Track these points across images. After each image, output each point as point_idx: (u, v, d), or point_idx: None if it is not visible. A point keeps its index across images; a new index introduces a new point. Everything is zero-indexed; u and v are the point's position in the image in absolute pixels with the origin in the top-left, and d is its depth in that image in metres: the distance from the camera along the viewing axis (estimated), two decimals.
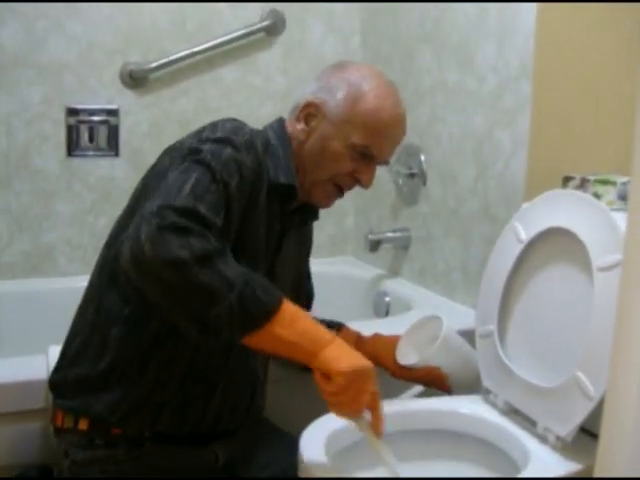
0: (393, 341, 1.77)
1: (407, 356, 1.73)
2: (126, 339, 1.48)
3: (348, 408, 1.32)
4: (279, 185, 1.54)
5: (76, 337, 1.55)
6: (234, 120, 1.55)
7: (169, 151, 1.53)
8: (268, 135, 1.59)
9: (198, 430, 1.54)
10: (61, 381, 1.55)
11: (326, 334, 1.31)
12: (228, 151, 1.40)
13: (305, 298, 1.86)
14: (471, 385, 1.73)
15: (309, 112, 1.60)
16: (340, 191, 1.64)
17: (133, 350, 1.48)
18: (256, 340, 1.27)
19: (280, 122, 1.65)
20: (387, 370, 1.73)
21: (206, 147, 1.40)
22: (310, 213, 1.72)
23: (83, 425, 1.49)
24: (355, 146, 1.56)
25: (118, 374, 1.48)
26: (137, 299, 1.44)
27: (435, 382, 1.70)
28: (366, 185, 1.64)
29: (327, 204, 1.67)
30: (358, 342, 1.77)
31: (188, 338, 1.38)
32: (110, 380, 1.48)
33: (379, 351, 1.74)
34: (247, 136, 1.47)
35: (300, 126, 1.60)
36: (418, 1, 2.54)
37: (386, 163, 1.69)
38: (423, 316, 1.81)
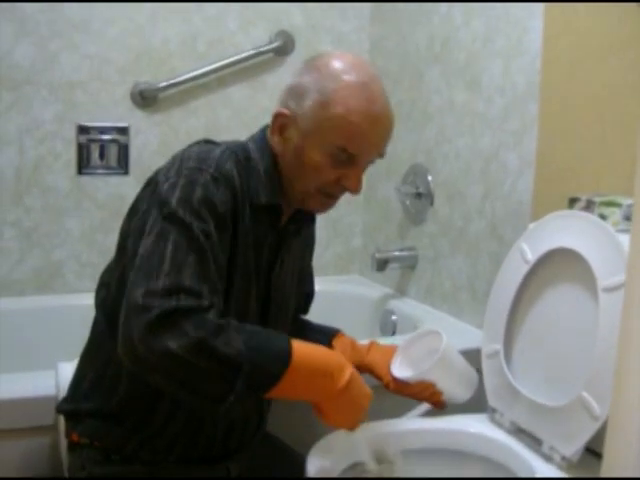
0: (388, 352, 1.73)
1: (402, 369, 1.69)
2: (135, 380, 1.46)
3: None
4: (262, 206, 1.47)
5: (88, 372, 1.54)
6: (201, 144, 1.50)
7: (146, 187, 1.49)
8: (248, 148, 1.51)
9: (210, 452, 1.55)
10: (73, 412, 1.54)
11: (338, 383, 1.34)
12: (197, 195, 1.34)
13: (304, 296, 1.85)
14: (464, 401, 1.70)
15: (281, 123, 1.48)
16: (331, 198, 1.53)
17: (143, 390, 1.46)
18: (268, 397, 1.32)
19: (263, 131, 1.55)
20: (381, 381, 1.70)
21: (175, 197, 1.33)
22: (305, 218, 1.63)
23: (99, 443, 1.50)
24: (332, 153, 1.43)
25: (130, 409, 1.49)
26: None
27: (430, 399, 1.66)
28: (354, 191, 1.50)
29: (324, 211, 1.57)
30: (353, 350, 1.75)
31: None
32: (122, 415, 1.49)
33: (374, 360, 1.72)
34: (212, 167, 1.38)
35: (276, 138, 1.49)
36: (431, 1, 2.56)
37: (381, 156, 1.53)
38: (422, 330, 1.79)
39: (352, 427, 1.41)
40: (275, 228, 1.54)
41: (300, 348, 1.31)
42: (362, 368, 1.72)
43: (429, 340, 1.72)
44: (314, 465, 1.47)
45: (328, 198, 1.52)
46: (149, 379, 1.27)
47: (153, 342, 1.19)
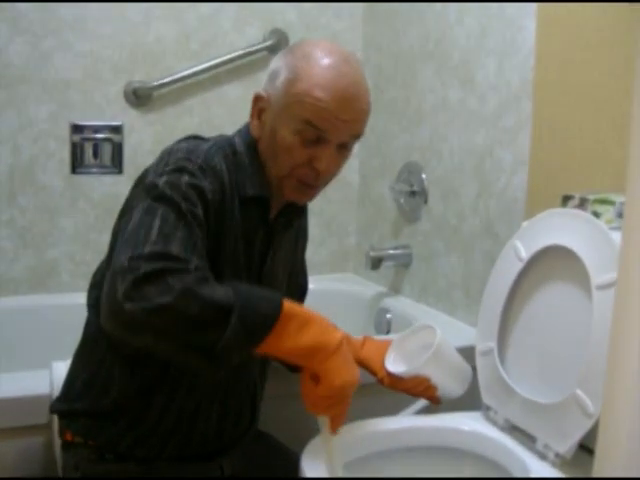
0: (382, 347, 1.73)
1: (397, 364, 1.68)
2: (128, 379, 1.48)
3: (326, 411, 1.36)
4: (249, 198, 1.47)
5: (81, 372, 1.55)
6: (189, 139, 1.50)
7: (135, 186, 1.48)
8: (234, 142, 1.52)
9: (204, 449, 1.55)
10: (67, 411, 1.55)
11: (332, 339, 1.31)
12: (185, 179, 1.34)
13: (298, 293, 1.85)
14: (458, 396, 1.70)
15: (260, 106, 1.49)
16: (304, 184, 1.49)
17: (137, 386, 1.48)
18: (261, 349, 1.26)
19: (247, 124, 1.56)
20: (375, 376, 1.69)
21: (162, 180, 1.33)
22: (295, 211, 1.62)
23: (93, 442, 1.50)
24: (300, 131, 1.42)
25: (124, 408, 1.49)
26: (129, 348, 1.43)
27: (424, 393, 1.65)
28: (323, 171, 1.45)
29: (301, 199, 1.54)
30: (347, 344, 1.73)
31: (191, 369, 1.37)
32: (116, 413, 1.49)
33: (368, 355, 1.71)
34: (200, 159, 1.38)
35: (255, 122, 1.50)
36: (426, 1, 2.57)
37: (355, 138, 1.48)
38: (416, 325, 1.79)
39: (341, 405, 1.36)
40: (265, 222, 1.54)
41: (289, 300, 1.29)
42: (356, 362, 1.73)
43: (423, 335, 1.71)
44: (308, 464, 1.47)
45: (302, 184, 1.49)
46: (137, 341, 1.24)
47: (140, 298, 1.16)
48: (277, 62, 1.50)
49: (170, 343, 1.22)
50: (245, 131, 1.55)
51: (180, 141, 1.50)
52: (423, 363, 1.61)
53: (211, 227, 1.37)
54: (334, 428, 1.39)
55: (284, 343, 1.27)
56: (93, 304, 1.55)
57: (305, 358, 1.31)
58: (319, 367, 1.30)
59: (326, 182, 1.53)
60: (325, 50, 1.45)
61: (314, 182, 1.49)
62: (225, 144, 1.50)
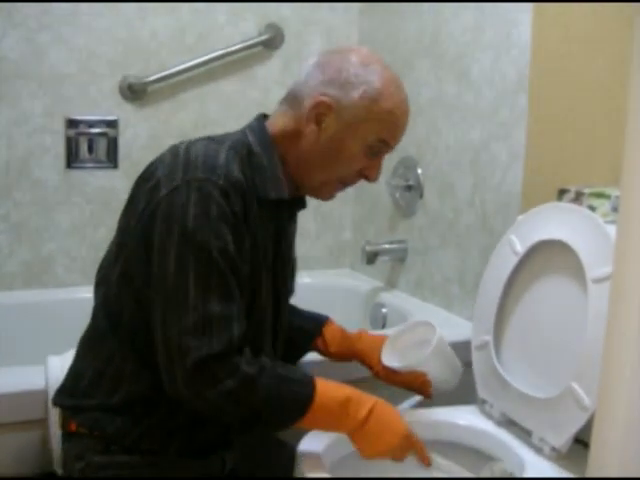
0: (378, 341, 1.74)
1: (393, 359, 1.69)
2: (138, 377, 1.48)
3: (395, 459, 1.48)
4: (269, 201, 1.47)
5: (87, 370, 1.53)
6: (203, 141, 1.48)
7: (143, 182, 1.47)
8: (249, 141, 1.50)
9: (209, 443, 1.55)
10: (72, 406, 1.54)
11: (355, 418, 1.41)
12: (213, 212, 1.34)
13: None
14: (449, 391, 1.72)
15: (320, 112, 1.47)
16: (345, 187, 1.59)
17: (146, 383, 1.47)
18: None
19: (259, 121, 1.55)
20: (370, 370, 1.72)
21: (190, 216, 1.33)
22: (297, 205, 1.64)
23: (99, 433, 1.49)
24: (372, 147, 1.50)
25: (130, 407, 1.49)
26: (140, 346, 1.46)
27: (419, 388, 1.68)
28: (374, 180, 1.59)
29: (329, 199, 1.60)
30: (343, 338, 1.76)
31: None
32: (123, 410, 1.49)
33: (365, 349, 1.73)
34: (221, 179, 1.36)
35: (310, 127, 1.48)
36: (419, 1, 2.56)
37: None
38: (413, 320, 1.79)
39: (391, 455, 1.45)
40: (278, 219, 1.54)
41: (323, 391, 1.40)
42: (352, 356, 1.74)
43: (420, 331, 1.72)
44: (305, 455, 1.48)
45: (341, 186, 1.57)
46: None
47: (191, 390, 1.33)
48: (340, 69, 1.49)
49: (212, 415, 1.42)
50: (258, 129, 1.53)
51: (194, 143, 1.47)
52: (424, 359, 1.63)
53: (243, 248, 1.40)
54: (425, 462, 1.50)
55: (311, 426, 1.46)
56: (102, 302, 1.53)
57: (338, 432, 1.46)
58: (352, 439, 1.44)
59: None
60: (385, 66, 1.54)
61: (353, 184, 1.58)
62: (239, 145, 1.47)
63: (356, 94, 1.46)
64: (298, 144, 1.51)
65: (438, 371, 1.66)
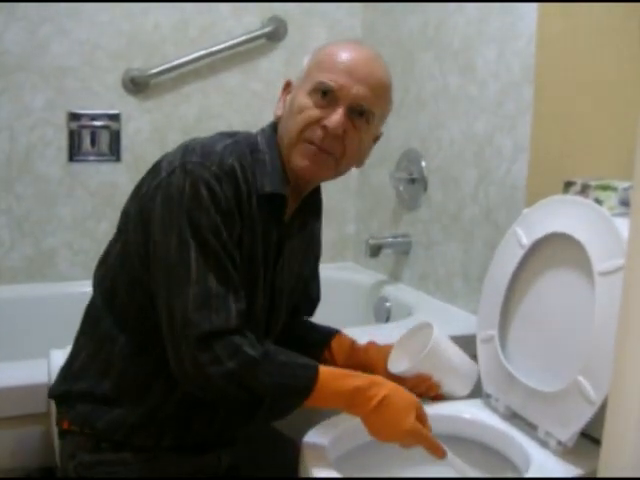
0: (386, 350, 1.74)
1: (398, 364, 1.69)
2: (129, 360, 1.49)
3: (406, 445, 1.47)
4: (266, 195, 1.48)
5: (81, 352, 1.55)
6: (209, 137, 1.51)
7: (150, 171, 1.51)
8: (257, 140, 1.54)
9: (203, 439, 1.55)
10: (65, 394, 1.54)
11: (367, 400, 1.41)
12: (204, 193, 1.37)
13: (310, 301, 1.85)
14: (465, 392, 1.71)
15: (287, 91, 1.57)
16: (314, 146, 1.49)
17: (137, 371, 1.49)
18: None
19: (272, 125, 1.58)
20: None
21: (185, 199, 1.38)
22: (310, 213, 1.65)
23: (89, 430, 1.50)
24: (314, 89, 1.48)
25: (121, 393, 1.49)
26: (132, 328, 1.50)
27: (427, 392, 1.67)
28: (332, 126, 1.46)
29: (310, 167, 1.51)
30: (352, 350, 1.76)
31: None
32: (113, 398, 1.49)
33: (371, 359, 1.72)
34: (215, 165, 1.40)
35: (280, 103, 1.57)
36: (421, 1, 2.55)
37: (360, 109, 1.49)
38: (416, 323, 1.78)
39: (402, 440, 1.44)
40: (280, 221, 1.54)
41: (328, 378, 1.41)
42: (359, 368, 1.71)
43: (424, 333, 1.71)
44: (310, 448, 1.47)
45: (309, 146, 1.49)
46: (190, 391, 1.43)
47: (195, 366, 1.35)
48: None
49: (213, 397, 1.44)
50: (269, 130, 1.57)
51: (194, 141, 1.50)
52: (420, 359, 1.62)
53: (233, 234, 1.42)
54: (438, 456, 1.45)
55: (319, 406, 1.43)
56: (99, 282, 1.57)
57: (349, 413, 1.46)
58: (364, 423, 1.44)
59: (340, 159, 1.53)
60: (350, 39, 1.63)
61: (322, 143, 1.49)
62: (244, 143, 1.51)
63: (304, 64, 1.56)
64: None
65: (442, 372, 1.65)
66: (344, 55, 1.49)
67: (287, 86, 1.58)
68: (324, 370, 1.41)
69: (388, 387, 1.42)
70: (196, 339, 1.33)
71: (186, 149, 1.45)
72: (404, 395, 1.44)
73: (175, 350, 1.37)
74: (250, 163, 1.47)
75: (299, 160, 1.50)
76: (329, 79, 1.46)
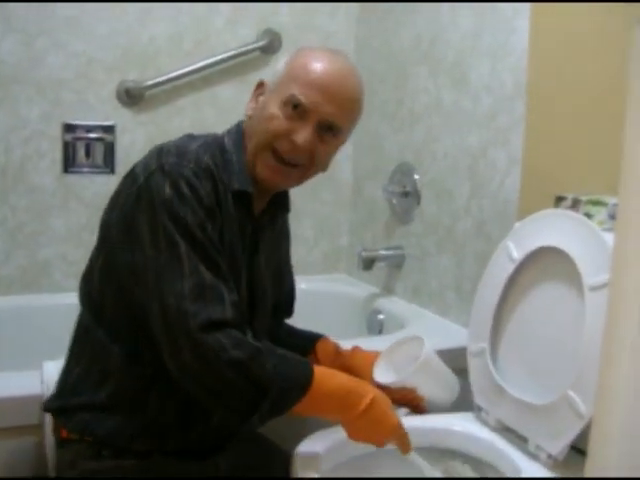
0: (371, 357, 1.74)
1: (384, 375, 1.69)
2: (125, 370, 1.49)
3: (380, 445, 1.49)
4: (235, 192, 1.51)
5: (74, 367, 1.55)
6: (180, 138, 1.55)
7: (125, 178, 1.53)
8: (224, 141, 1.56)
9: (203, 444, 1.56)
10: (61, 408, 1.54)
11: (354, 410, 1.41)
12: (186, 190, 1.39)
13: (286, 294, 1.85)
14: (446, 406, 1.72)
15: (259, 92, 1.59)
16: (281, 160, 1.51)
17: (133, 380, 1.49)
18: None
19: (238, 126, 1.61)
20: None
21: (167, 197, 1.39)
22: (279, 208, 1.69)
23: (90, 438, 1.50)
24: (285, 101, 1.49)
25: (119, 402, 1.49)
26: (125, 338, 1.50)
27: (410, 404, 1.67)
28: (300, 143, 1.48)
29: (273, 178, 1.54)
30: (336, 354, 1.77)
31: None
32: (112, 408, 1.49)
33: (356, 366, 1.73)
34: (192, 162, 1.43)
35: (252, 104, 1.59)
36: (422, 1, 2.56)
37: (331, 126, 1.51)
38: (404, 336, 1.79)
39: (390, 436, 1.46)
40: (251, 217, 1.56)
41: (322, 376, 1.41)
42: (345, 372, 1.73)
43: (411, 346, 1.72)
44: (303, 458, 1.48)
45: (274, 158, 1.52)
46: (188, 386, 1.38)
47: (198, 358, 1.33)
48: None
49: (214, 398, 1.39)
50: (234, 131, 1.60)
51: (168, 143, 1.52)
52: (409, 374, 1.63)
53: (215, 229, 1.43)
54: (404, 451, 1.49)
55: (309, 414, 1.44)
56: (85, 297, 1.58)
57: (334, 420, 1.48)
58: (347, 429, 1.45)
59: (306, 171, 1.56)
60: (326, 48, 1.59)
61: (288, 157, 1.51)
62: (214, 143, 1.54)
63: (278, 68, 1.56)
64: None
65: (428, 387, 1.66)
66: (318, 70, 1.50)
67: (260, 86, 1.60)
68: (316, 367, 1.43)
69: (371, 390, 1.45)
70: (198, 327, 1.32)
71: (160, 151, 1.46)
72: (383, 394, 1.47)
73: (171, 342, 1.35)
74: (221, 162, 1.50)
75: (262, 169, 1.53)
76: (301, 93, 1.48)
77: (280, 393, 1.35)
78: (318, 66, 1.50)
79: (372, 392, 1.43)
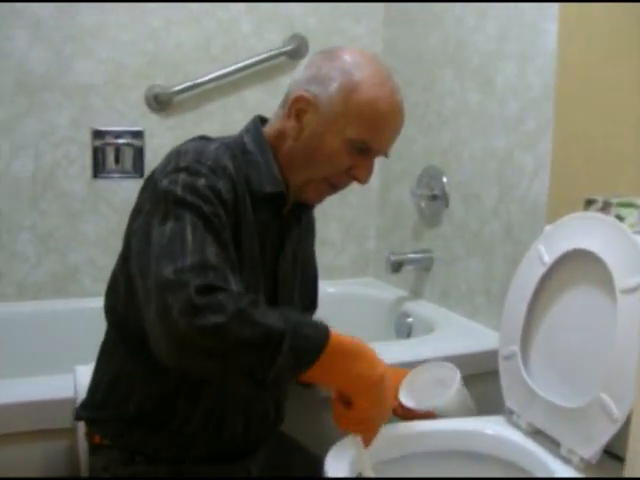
0: (398, 376, 1.71)
1: (411, 396, 1.69)
2: (150, 383, 1.49)
3: (357, 432, 1.41)
4: (266, 195, 1.48)
5: (101, 383, 1.56)
6: (196, 140, 1.51)
7: (145, 187, 1.47)
8: (244, 141, 1.52)
9: (232, 448, 1.56)
10: (92, 419, 1.56)
11: (375, 373, 1.33)
12: (201, 182, 1.35)
13: (312, 290, 1.85)
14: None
15: (300, 107, 1.48)
16: (334, 188, 1.54)
17: (158, 391, 1.49)
18: (307, 376, 1.29)
19: (255, 122, 1.57)
20: None
21: (179, 185, 1.34)
22: (303, 205, 1.62)
23: (122, 445, 1.51)
24: (352, 141, 1.45)
25: (148, 412, 1.50)
26: (148, 353, 1.38)
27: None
28: (363, 181, 1.51)
29: (318, 201, 1.58)
30: None
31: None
32: (140, 419, 1.50)
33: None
34: (210, 160, 1.39)
35: (291, 123, 1.49)
36: (445, 0, 2.56)
37: (385, 155, 1.55)
38: (433, 362, 1.78)
39: (372, 431, 1.41)
40: (279, 217, 1.55)
41: (335, 331, 1.30)
42: None
43: (438, 371, 1.73)
44: (332, 467, 1.47)
45: (331, 188, 1.53)
46: (190, 365, 1.26)
47: (194, 318, 1.17)
48: (321, 65, 1.49)
49: (222, 366, 1.24)
50: (254, 129, 1.56)
51: (187, 142, 1.51)
52: (443, 404, 1.64)
53: (230, 225, 1.38)
54: (366, 444, 1.41)
55: (330, 372, 1.30)
56: (110, 310, 1.57)
57: (346, 386, 1.34)
58: (357, 398, 1.34)
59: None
60: (371, 58, 1.51)
61: (344, 187, 1.53)
62: (233, 144, 1.51)
63: (334, 86, 1.46)
64: (284, 143, 1.52)
65: (454, 415, 1.67)
66: (386, 109, 1.46)
67: (299, 101, 1.48)
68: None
69: (383, 365, 1.37)
70: (195, 290, 1.19)
71: (178, 154, 1.43)
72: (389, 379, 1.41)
73: (166, 315, 1.20)
74: (242, 164, 1.47)
75: (311, 195, 1.54)
76: (372, 139, 1.46)
77: (298, 339, 1.23)
78: (384, 105, 1.45)
79: (382, 365, 1.36)
